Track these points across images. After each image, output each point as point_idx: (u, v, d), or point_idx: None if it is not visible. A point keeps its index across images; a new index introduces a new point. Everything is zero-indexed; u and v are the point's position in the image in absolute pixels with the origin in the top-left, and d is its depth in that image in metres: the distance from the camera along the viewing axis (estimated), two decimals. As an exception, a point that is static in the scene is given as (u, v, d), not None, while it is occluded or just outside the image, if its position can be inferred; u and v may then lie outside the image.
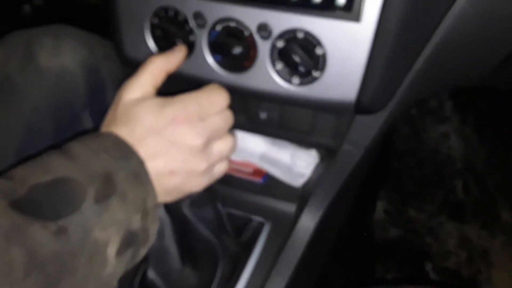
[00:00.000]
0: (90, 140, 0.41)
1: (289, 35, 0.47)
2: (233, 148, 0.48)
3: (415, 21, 0.45)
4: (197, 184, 0.46)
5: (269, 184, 0.68)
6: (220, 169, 0.48)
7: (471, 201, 1.24)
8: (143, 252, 0.42)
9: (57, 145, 0.40)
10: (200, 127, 0.43)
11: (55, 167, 0.37)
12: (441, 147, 1.28)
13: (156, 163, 0.42)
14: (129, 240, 0.39)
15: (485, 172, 1.24)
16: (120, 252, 0.39)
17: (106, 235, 0.37)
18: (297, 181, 0.66)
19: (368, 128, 0.56)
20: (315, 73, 0.48)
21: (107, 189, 0.38)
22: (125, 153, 0.40)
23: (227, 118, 0.47)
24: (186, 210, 0.54)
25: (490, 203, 1.22)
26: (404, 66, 0.50)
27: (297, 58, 0.48)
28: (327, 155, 0.65)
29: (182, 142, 0.43)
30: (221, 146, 0.46)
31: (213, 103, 0.45)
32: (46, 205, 0.35)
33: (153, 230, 0.42)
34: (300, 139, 0.63)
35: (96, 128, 0.46)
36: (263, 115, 0.61)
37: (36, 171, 0.37)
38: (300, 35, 0.47)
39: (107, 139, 0.41)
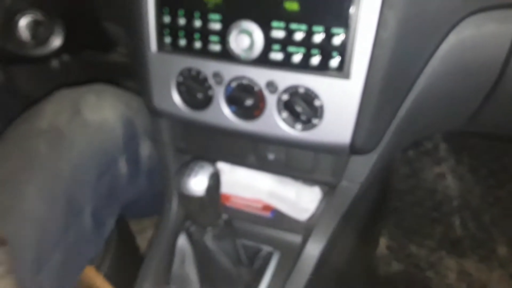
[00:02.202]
0: None
1: (292, 90, 0.55)
2: None
3: (396, 79, 0.53)
4: None
5: (278, 218, 0.73)
6: None
7: (469, 236, 1.26)
8: None
9: None
10: None
11: None
12: (438, 186, 1.31)
13: None
14: None
15: (481, 209, 1.27)
16: None
17: None
18: (302, 216, 0.71)
19: (362, 166, 0.62)
20: (315, 121, 0.55)
21: None
22: None
23: None
24: (209, 242, 0.59)
25: (487, 238, 1.24)
26: (389, 114, 0.57)
27: (299, 109, 0.55)
28: (329, 191, 0.69)
29: None
30: None
31: None
32: None
33: None
34: (304, 177, 0.69)
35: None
36: (271, 156, 0.67)
37: None
38: (301, 90, 0.54)
39: None
